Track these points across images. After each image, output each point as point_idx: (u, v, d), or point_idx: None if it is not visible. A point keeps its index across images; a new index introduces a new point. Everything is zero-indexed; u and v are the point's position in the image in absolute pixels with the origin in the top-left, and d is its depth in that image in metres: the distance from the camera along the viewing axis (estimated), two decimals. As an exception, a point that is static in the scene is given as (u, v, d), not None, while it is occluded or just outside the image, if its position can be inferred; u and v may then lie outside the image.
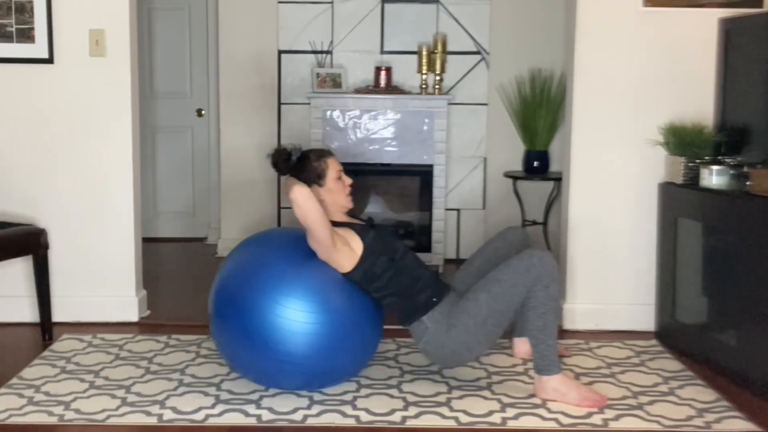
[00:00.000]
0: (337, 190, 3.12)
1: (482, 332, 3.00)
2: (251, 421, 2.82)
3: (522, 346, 3.46)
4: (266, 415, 2.86)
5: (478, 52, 5.72)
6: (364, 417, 2.86)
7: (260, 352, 2.90)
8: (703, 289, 3.50)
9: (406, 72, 5.70)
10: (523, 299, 2.99)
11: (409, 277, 3.07)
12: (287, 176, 3.13)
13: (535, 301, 2.97)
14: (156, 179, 6.09)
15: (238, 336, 2.93)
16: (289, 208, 3.36)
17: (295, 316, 2.85)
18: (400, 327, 3.98)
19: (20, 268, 3.90)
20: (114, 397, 3.02)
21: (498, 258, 3.25)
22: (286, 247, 3.06)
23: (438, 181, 5.50)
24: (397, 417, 2.85)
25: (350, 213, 3.28)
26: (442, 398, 3.03)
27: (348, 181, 3.17)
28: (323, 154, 3.17)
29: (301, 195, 2.89)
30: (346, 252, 2.98)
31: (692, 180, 3.55)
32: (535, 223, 5.51)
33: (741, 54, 3.60)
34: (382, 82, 5.58)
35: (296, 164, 3.12)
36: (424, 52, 5.46)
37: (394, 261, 3.06)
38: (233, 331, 2.95)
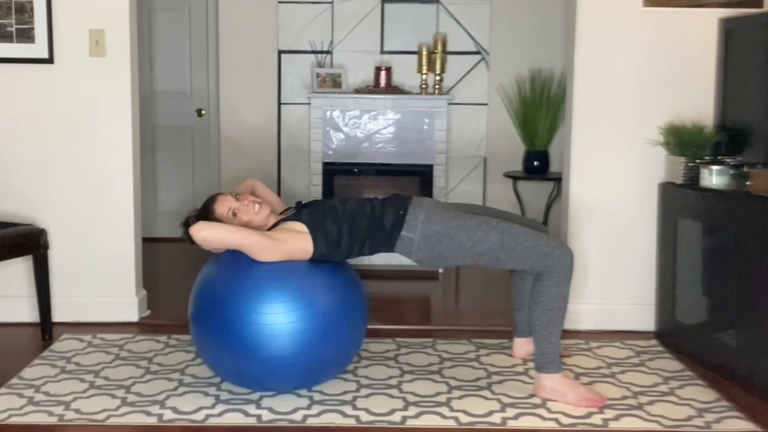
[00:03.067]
0: (243, 216, 3.05)
1: (472, 257, 3.00)
2: (251, 421, 2.82)
3: (522, 347, 3.46)
4: (266, 415, 2.86)
5: (478, 52, 5.72)
6: (364, 417, 2.85)
7: (248, 359, 2.88)
8: (703, 289, 3.49)
9: (406, 72, 5.70)
10: (519, 268, 3.02)
11: (363, 216, 3.05)
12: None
13: (544, 296, 2.97)
14: (156, 179, 6.09)
15: (223, 343, 2.90)
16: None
17: (278, 318, 2.83)
18: (400, 327, 3.98)
19: (20, 268, 3.90)
20: (114, 397, 3.02)
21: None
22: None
23: (438, 181, 5.50)
24: (397, 417, 2.85)
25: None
26: (442, 398, 3.02)
27: (246, 200, 3.08)
28: (207, 206, 3.11)
29: (201, 231, 2.90)
30: (293, 236, 2.97)
31: (692, 180, 3.55)
32: (535, 223, 5.51)
33: (741, 54, 3.60)
34: (382, 82, 5.59)
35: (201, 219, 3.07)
36: (424, 52, 5.46)
37: (340, 215, 3.04)
38: (217, 338, 2.92)
